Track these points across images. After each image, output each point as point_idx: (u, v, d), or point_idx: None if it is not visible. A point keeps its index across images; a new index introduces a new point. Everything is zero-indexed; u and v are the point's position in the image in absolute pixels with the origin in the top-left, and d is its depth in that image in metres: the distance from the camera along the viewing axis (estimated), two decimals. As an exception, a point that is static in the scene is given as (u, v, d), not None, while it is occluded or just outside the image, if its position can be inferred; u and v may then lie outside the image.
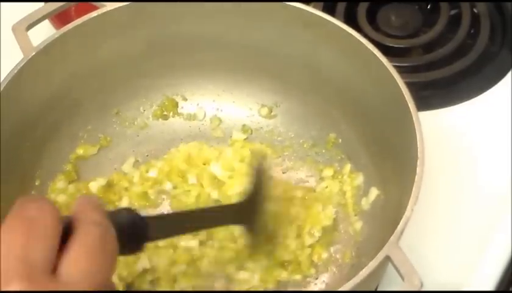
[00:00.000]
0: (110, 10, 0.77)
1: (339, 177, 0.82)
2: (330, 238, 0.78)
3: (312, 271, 0.77)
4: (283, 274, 0.76)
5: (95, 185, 0.82)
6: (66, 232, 0.44)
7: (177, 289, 0.75)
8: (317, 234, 0.77)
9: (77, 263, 0.43)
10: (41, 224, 0.43)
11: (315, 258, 0.77)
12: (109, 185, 0.82)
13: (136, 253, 0.53)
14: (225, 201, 0.79)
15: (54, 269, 0.43)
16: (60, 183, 0.81)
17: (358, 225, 0.78)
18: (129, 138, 0.86)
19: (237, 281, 0.76)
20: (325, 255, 0.77)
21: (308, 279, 0.76)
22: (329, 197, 0.80)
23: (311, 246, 0.77)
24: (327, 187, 0.81)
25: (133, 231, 0.52)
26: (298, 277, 0.76)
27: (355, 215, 0.79)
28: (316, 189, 0.81)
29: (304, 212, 0.79)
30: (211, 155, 0.84)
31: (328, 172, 0.82)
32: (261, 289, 0.75)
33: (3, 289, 0.41)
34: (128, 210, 0.54)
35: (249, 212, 0.69)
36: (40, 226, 0.43)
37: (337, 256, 0.78)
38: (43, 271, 0.42)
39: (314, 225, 0.78)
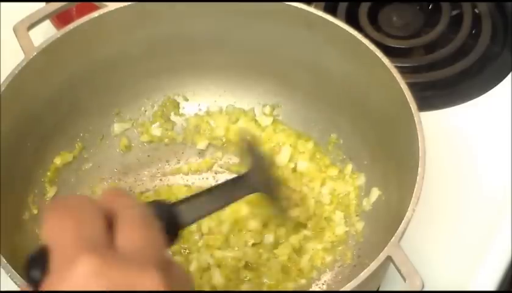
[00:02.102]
0: (111, 10, 0.77)
1: (341, 177, 0.81)
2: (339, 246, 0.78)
3: (314, 273, 0.77)
4: (289, 286, 0.76)
5: None
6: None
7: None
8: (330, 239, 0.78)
9: (129, 238, 0.43)
10: (84, 208, 0.44)
11: (318, 263, 0.77)
12: None
13: (173, 243, 0.53)
14: None
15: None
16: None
17: (360, 226, 0.78)
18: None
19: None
20: (328, 258, 0.77)
21: (310, 280, 0.77)
22: (339, 201, 0.80)
23: (314, 250, 0.77)
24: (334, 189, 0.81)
25: (167, 221, 0.52)
26: (303, 281, 0.76)
27: (356, 216, 0.79)
28: (322, 191, 0.82)
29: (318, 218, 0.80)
30: None
31: (332, 172, 0.82)
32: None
33: (72, 268, 0.40)
34: (158, 202, 0.54)
35: (262, 179, 0.68)
36: (83, 210, 0.43)
37: (339, 257, 0.77)
38: (103, 244, 0.42)
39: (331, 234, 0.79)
